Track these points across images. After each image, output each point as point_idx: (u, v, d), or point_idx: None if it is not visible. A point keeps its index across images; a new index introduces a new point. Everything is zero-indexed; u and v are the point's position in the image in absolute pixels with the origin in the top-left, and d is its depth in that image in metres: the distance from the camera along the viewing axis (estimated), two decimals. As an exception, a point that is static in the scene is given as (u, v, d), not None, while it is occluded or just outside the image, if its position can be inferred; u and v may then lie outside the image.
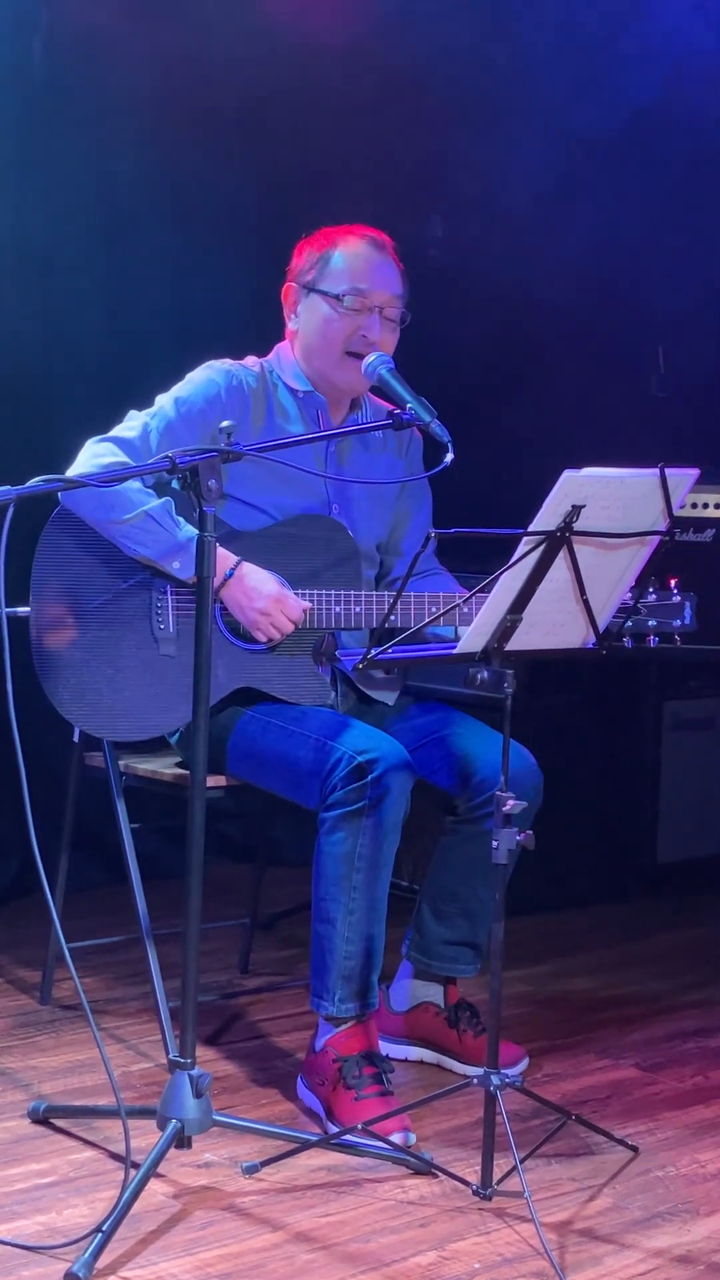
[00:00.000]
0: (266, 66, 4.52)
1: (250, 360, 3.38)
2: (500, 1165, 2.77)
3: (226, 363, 3.34)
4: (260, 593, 3.15)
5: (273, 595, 3.15)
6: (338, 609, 3.20)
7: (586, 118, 4.85)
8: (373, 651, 2.76)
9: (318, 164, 4.72)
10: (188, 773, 3.00)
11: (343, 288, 3.27)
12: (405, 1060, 3.39)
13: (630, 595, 2.95)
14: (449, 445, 3.02)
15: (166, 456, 2.68)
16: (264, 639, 3.19)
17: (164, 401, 3.26)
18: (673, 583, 3.10)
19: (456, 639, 3.10)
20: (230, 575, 3.15)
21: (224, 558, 3.15)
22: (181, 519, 3.16)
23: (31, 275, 4.36)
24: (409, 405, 3.09)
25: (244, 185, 4.68)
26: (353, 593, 3.21)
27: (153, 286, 4.59)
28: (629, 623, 3.02)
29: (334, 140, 4.71)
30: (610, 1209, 2.77)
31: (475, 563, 3.55)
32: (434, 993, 3.39)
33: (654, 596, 3.07)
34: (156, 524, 3.13)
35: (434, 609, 3.16)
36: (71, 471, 3.12)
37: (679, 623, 3.13)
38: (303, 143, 4.72)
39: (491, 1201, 2.75)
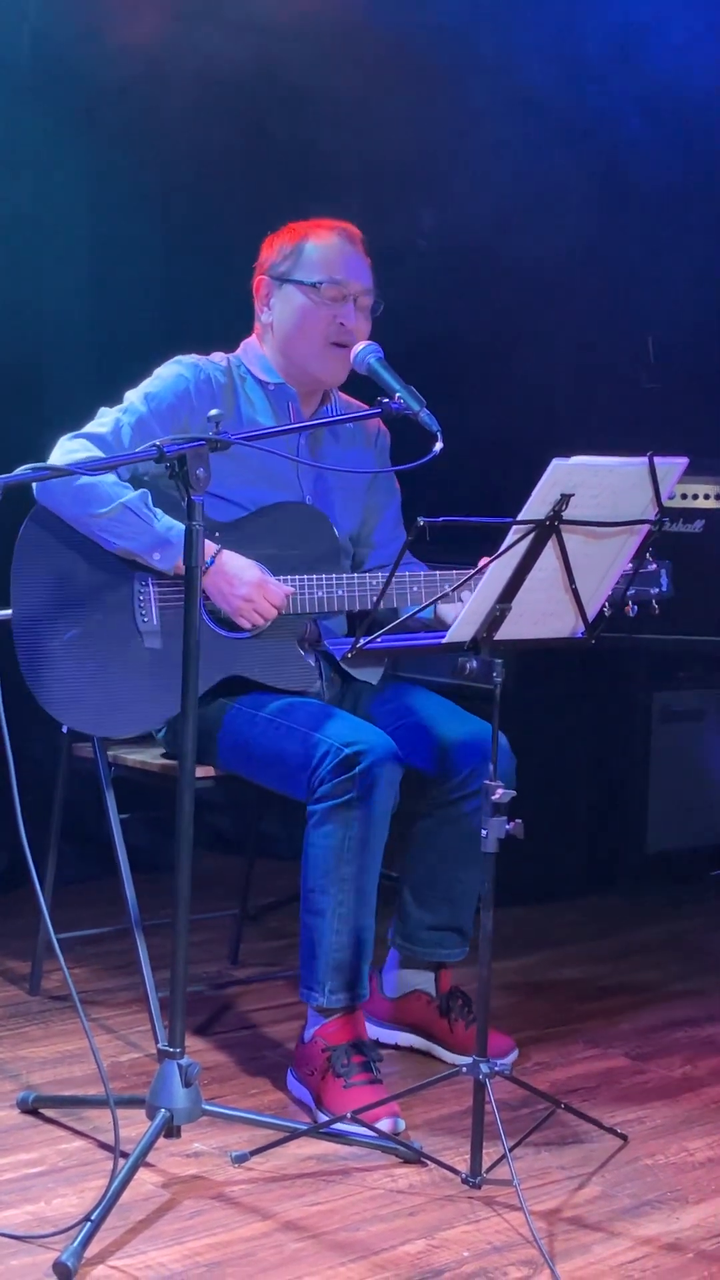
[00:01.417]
0: (255, 59, 4.50)
1: (217, 355, 3.38)
2: (489, 1154, 2.77)
3: (193, 357, 3.34)
4: (242, 579, 3.15)
5: (254, 581, 3.15)
6: (319, 593, 3.20)
7: (578, 110, 4.85)
8: (361, 641, 2.76)
9: (308, 155, 4.71)
10: (176, 763, 3.00)
11: (318, 277, 3.28)
12: (395, 1046, 3.39)
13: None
14: (438, 434, 3.01)
15: (154, 445, 2.68)
16: (248, 625, 3.19)
17: (134, 397, 3.27)
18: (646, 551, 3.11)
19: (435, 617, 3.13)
20: (210, 564, 3.14)
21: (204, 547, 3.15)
22: (159, 510, 3.16)
23: (17, 266, 4.34)
24: (398, 394, 3.08)
25: (232, 178, 4.67)
26: (334, 576, 3.21)
27: (140, 279, 4.58)
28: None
29: (324, 131, 4.71)
30: (599, 1197, 2.78)
31: (464, 552, 3.55)
32: (425, 980, 3.39)
33: (630, 565, 3.08)
34: (135, 516, 3.13)
35: (430, 590, 3.17)
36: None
37: (657, 590, 3.16)
38: (293, 134, 4.71)
39: (480, 1190, 2.75)
